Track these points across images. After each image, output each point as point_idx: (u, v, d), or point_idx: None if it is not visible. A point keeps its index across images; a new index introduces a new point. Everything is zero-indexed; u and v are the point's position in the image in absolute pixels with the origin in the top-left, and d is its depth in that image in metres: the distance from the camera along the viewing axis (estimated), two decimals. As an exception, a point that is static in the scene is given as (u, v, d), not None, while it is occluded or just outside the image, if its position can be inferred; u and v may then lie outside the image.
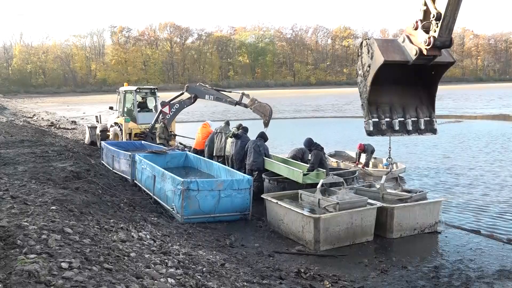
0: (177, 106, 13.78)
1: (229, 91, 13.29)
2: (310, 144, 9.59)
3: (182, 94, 13.70)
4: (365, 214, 7.38)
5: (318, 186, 7.82)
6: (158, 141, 13.69)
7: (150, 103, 16.65)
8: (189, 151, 12.77)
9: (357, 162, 14.63)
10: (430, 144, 20.09)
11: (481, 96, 59.09)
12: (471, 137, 22.49)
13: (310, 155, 9.36)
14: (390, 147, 8.25)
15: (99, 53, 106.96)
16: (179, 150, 13.35)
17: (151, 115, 16.16)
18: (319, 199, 7.71)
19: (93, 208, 6.47)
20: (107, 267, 3.86)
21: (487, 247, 7.29)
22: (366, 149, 14.66)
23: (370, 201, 7.72)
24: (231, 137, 11.18)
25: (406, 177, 13.48)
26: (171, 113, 13.84)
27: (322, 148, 9.52)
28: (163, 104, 13.95)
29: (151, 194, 9.32)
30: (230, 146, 11.15)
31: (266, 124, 11.75)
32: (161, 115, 13.97)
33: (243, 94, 12.77)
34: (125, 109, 16.22)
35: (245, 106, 12.26)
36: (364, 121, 7.21)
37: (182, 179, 8.13)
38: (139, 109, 16.11)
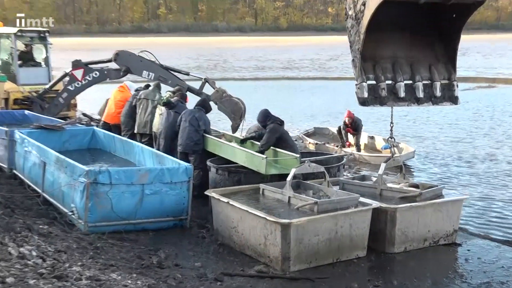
0: (95, 74, 13.40)
1: (185, 72, 13.43)
2: (266, 118, 9.90)
3: (109, 61, 13.33)
4: (355, 219, 7.50)
5: (289, 178, 7.88)
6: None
7: (38, 54, 16.25)
8: (97, 126, 12.73)
9: (348, 143, 14.94)
10: (448, 119, 20.68)
11: (522, 51, 60.84)
12: (506, 110, 23.19)
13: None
14: (392, 123, 8.37)
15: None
16: (83, 124, 13.07)
17: (39, 71, 15.80)
18: (289, 196, 7.79)
19: None
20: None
21: (524, 264, 7.44)
22: (356, 121, 15.03)
23: (362, 199, 7.84)
24: (161, 105, 11.27)
25: (414, 165, 13.89)
26: (83, 81, 13.40)
27: (282, 122, 9.86)
28: (76, 64, 13.48)
29: (39, 191, 9.23)
30: (159, 120, 11.27)
31: (235, 129, 12.02)
32: (68, 78, 13.56)
33: (205, 80, 13.01)
34: (-1, 62, 15.78)
35: (208, 99, 12.37)
36: (356, 85, 7.30)
37: (86, 168, 8.06)
38: (20, 62, 15.68)
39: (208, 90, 12.69)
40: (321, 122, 18.55)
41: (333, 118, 19.56)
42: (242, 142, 10.20)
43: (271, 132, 9.60)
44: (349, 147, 14.44)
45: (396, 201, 8.16)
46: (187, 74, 13.41)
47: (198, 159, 10.15)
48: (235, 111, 12.12)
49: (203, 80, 13.01)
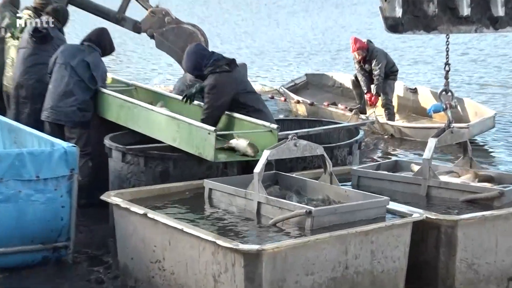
0: None
1: None
2: (200, 62, 9.76)
3: None
4: (381, 242, 7.37)
5: (258, 167, 7.71)
6: None
7: None
8: None
9: (371, 98, 14.85)
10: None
11: None
12: None
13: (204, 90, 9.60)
14: (448, 64, 8.33)
15: None
16: None
17: None
18: (259, 202, 7.68)
19: None
20: None
21: None
22: (374, 53, 14.99)
23: (395, 205, 7.77)
24: (15, 37, 11.40)
25: (489, 143, 13.92)
26: None
27: (233, 64, 9.73)
28: None
29: None
30: (14, 62, 11.33)
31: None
32: None
33: None
34: None
35: (137, 29, 12.87)
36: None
37: None
38: None
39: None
40: (318, 64, 18.28)
41: (338, 58, 19.30)
42: (187, 100, 10.07)
43: (212, 91, 9.46)
44: (371, 103, 14.05)
45: (457, 207, 8.12)
46: None
47: (86, 136, 10.21)
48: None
49: None
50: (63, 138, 9.93)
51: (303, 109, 15.17)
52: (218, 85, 9.44)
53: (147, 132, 9.77)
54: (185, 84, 10.93)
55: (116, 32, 12.04)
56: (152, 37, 12.55)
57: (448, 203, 8.34)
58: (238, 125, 9.54)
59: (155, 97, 10.96)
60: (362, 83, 15.06)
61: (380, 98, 14.83)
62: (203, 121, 9.39)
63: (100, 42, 10.79)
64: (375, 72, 14.69)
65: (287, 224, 7.49)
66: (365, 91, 15.05)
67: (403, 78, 15.72)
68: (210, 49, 10.12)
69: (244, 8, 29.90)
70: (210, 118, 9.42)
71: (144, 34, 12.65)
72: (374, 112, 14.50)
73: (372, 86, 14.99)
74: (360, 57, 14.96)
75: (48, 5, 11.71)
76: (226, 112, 9.73)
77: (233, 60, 9.80)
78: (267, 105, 10.83)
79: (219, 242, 6.95)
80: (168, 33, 12.52)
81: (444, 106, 8.85)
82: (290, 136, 8.13)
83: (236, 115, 9.62)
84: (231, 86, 9.55)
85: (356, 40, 15.06)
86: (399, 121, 14.55)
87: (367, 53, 14.92)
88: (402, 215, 7.74)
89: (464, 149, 9.07)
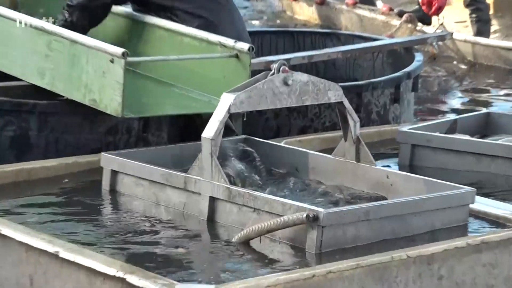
0: None
1: None
2: None
3: None
4: (461, 275, 5.79)
5: (210, 131, 6.32)
6: None
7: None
8: None
9: None
10: None
11: None
12: None
13: None
14: None
15: None
16: None
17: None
18: (213, 198, 6.38)
19: None
20: None
21: None
22: None
23: (486, 204, 6.37)
24: None
25: None
26: None
27: None
28: None
29: None
30: None
31: None
32: None
33: None
34: None
35: None
36: None
37: None
38: None
39: None
40: None
41: None
42: None
43: None
44: (429, 9, 11.64)
45: None
46: None
47: None
48: None
49: None
50: None
51: (305, 11, 13.70)
52: None
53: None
54: None
55: None
56: None
57: None
58: (173, 43, 7.95)
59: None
60: None
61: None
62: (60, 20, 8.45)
63: None
64: None
65: (269, 241, 5.74)
66: None
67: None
68: None
69: None
70: (71, 12, 8.09)
71: None
72: (440, 22, 11.91)
73: None
74: None
75: None
76: (148, 20, 8.08)
77: None
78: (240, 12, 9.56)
79: (132, 278, 5.01)
80: None
81: None
82: (275, 66, 6.35)
83: (170, 24, 7.91)
84: None
85: None
86: (495, 39, 12.05)
87: None
88: (501, 222, 6.12)
89: None
